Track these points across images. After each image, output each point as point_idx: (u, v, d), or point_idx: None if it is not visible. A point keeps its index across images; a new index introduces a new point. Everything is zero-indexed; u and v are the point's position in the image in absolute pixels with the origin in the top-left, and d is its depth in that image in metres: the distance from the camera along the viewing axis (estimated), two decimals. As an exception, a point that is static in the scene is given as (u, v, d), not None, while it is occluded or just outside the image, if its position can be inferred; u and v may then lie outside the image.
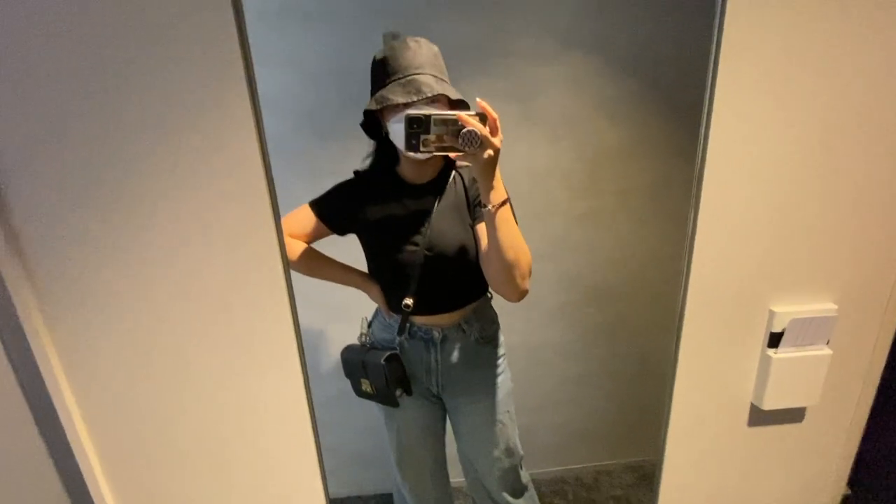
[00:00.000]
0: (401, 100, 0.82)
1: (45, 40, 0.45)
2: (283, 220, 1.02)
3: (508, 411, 1.21)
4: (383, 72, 0.87)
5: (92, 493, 0.59)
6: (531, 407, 1.83)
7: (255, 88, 0.50)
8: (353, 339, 1.19)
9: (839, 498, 0.74)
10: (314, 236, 1.09)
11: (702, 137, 0.58)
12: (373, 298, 1.12)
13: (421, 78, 0.83)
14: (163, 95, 0.47)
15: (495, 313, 1.22)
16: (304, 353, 0.60)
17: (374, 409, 1.28)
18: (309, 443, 0.64)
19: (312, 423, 0.63)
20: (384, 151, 1.02)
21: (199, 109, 0.48)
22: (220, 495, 0.64)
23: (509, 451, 1.22)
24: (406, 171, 1.03)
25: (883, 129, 0.57)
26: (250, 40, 0.49)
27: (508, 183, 1.77)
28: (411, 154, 0.71)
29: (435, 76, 0.86)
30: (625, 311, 1.77)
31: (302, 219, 1.07)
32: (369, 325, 1.15)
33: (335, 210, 1.07)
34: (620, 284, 1.75)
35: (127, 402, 0.57)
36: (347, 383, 1.14)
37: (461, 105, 0.89)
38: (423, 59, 0.87)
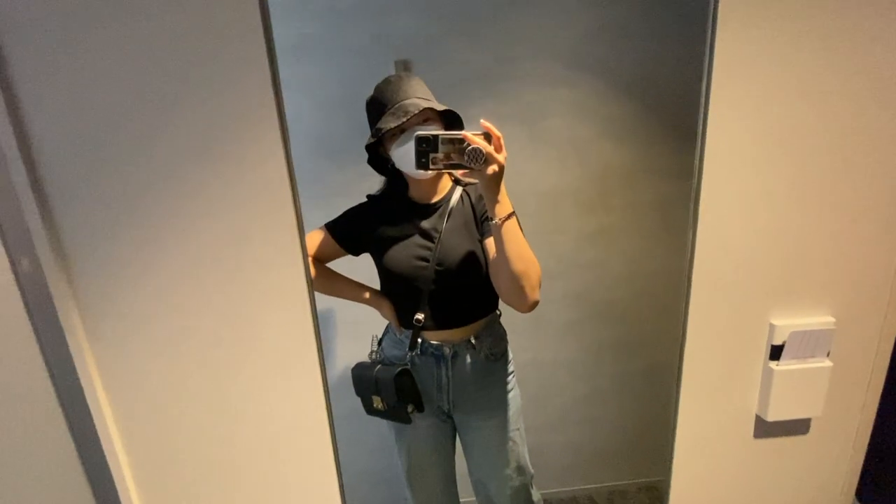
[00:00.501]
0: (393, 124, 0.89)
1: (101, 79, 0.50)
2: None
3: (518, 429, 1.22)
4: (376, 108, 0.96)
5: (122, 500, 0.62)
6: (542, 426, 1.82)
7: (284, 117, 0.54)
8: (363, 356, 1.22)
9: (850, 512, 0.74)
10: (329, 256, 1.14)
11: (697, 158, 0.61)
12: (384, 315, 1.15)
13: (407, 102, 0.91)
14: (198, 125, 0.52)
15: (504, 330, 1.24)
16: (325, 369, 0.64)
17: (384, 427, 1.30)
18: (328, 456, 0.67)
19: (332, 435, 0.66)
20: (393, 182, 1.09)
21: (233, 138, 0.53)
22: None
23: (520, 470, 1.22)
24: (415, 193, 1.08)
25: (872, 147, 0.60)
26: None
27: (517, 203, 1.81)
28: (421, 172, 0.76)
29: (420, 97, 0.93)
30: (634, 327, 1.77)
31: (318, 240, 1.13)
32: (380, 343, 1.18)
33: (349, 231, 1.12)
34: (629, 300, 1.76)
35: (159, 415, 0.61)
36: (357, 401, 1.15)
37: (451, 116, 0.96)
38: (407, 87, 0.95)
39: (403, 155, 0.93)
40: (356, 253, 1.13)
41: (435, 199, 1.09)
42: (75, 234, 0.54)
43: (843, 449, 0.70)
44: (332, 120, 1.35)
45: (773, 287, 0.63)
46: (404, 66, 1.33)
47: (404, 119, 0.88)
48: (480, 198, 1.09)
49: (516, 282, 0.98)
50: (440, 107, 0.94)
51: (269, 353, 0.60)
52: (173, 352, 0.59)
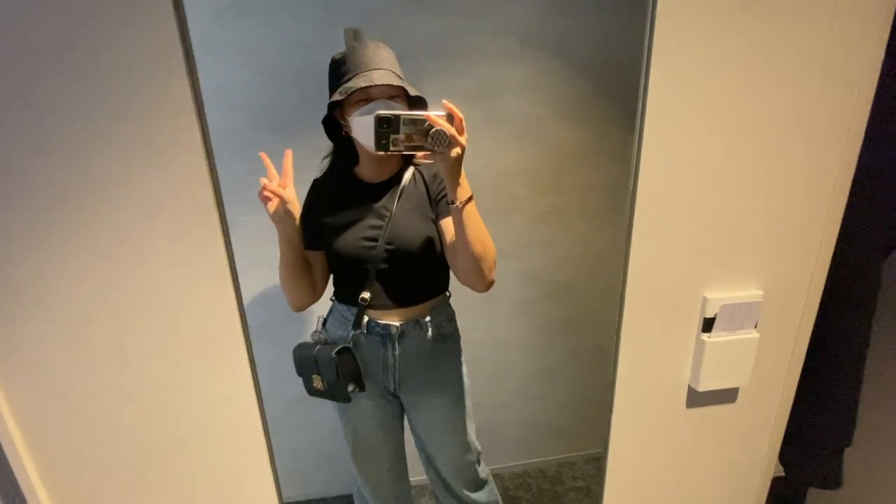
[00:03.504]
0: (362, 83, 0.85)
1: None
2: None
3: (465, 407, 1.22)
4: (343, 69, 0.90)
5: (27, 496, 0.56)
6: (496, 403, 1.86)
7: (196, 78, 0.49)
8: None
9: (771, 472, 0.79)
10: (314, 265, 1.09)
11: (636, 135, 0.61)
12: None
13: (381, 72, 0.87)
14: (100, 81, 0.46)
15: (453, 311, 1.24)
16: (251, 348, 0.60)
17: (332, 409, 1.27)
18: (260, 443, 0.63)
19: (263, 421, 0.63)
20: (342, 151, 1.04)
21: (139, 98, 0.47)
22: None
23: (466, 447, 1.23)
24: (365, 171, 1.04)
25: (801, 129, 0.62)
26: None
27: (472, 181, 1.79)
28: (381, 153, 0.73)
29: (394, 73, 0.89)
30: (584, 306, 1.82)
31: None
32: (324, 323, 1.14)
33: (309, 231, 1.07)
34: (580, 280, 1.80)
35: (65, 407, 0.56)
36: (313, 384, 1.13)
37: (419, 102, 0.92)
38: (382, 58, 0.90)
39: (363, 126, 0.88)
40: (315, 248, 1.10)
41: (385, 178, 1.05)
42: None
43: (767, 415, 0.74)
44: (276, 89, 1.28)
45: (707, 262, 0.65)
46: (354, 36, 1.27)
47: (375, 83, 0.85)
48: (434, 177, 1.07)
49: (475, 264, 0.97)
50: (413, 91, 0.90)
51: (189, 337, 0.56)
52: (74, 334, 0.53)
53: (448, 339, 1.18)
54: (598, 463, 2.12)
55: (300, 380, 1.12)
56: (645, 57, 0.58)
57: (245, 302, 0.58)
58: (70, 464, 0.58)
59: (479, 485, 1.29)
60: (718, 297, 0.65)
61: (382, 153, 0.73)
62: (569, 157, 1.69)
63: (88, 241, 0.50)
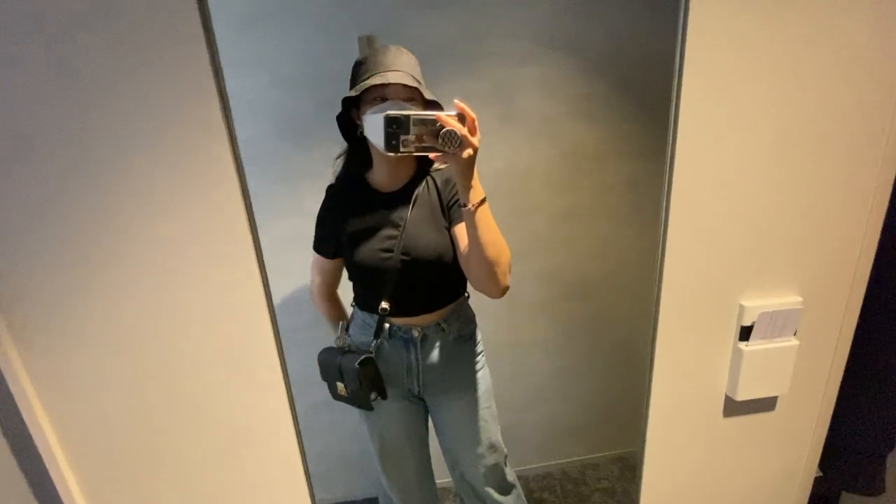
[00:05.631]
0: (377, 81, 0.84)
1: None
2: (315, 276, 1.14)
3: (489, 407, 1.22)
4: (363, 69, 0.90)
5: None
6: (517, 404, 1.85)
7: (225, 94, 0.49)
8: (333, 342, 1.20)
9: (811, 481, 0.77)
10: (336, 275, 1.14)
11: (670, 139, 0.59)
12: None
13: (399, 74, 0.87)
14: (132, 100, 0.47)
15: (472, 312, 1.24)
16: (283, 355, 0.60)
17: (357, 412, 1.28)
18: (293, 447, 0.64)
19: (296, 427, 0.63)
20: (357, 153, 1.04)
21: (170, 115, 0.48)
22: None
23: (492, 448, 1.23)
24: (379, 178, 1.04)
25: (840, 132, 0.59)
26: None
27: (489, 182, 1.78)
28: (391, 154, 0.72)
29: (412, 76, 0.89)
30: (604, 305, 1.80)
31: (319, 266, 1.13)
32: (347, 329, 1.15)
33: (325, 239, 1.09)
34: (599, 279, 1.78)
35: (104, 415, 0.56)
36: (333, 388, 1.14)
37: (435, 107, 0.91)
38: (403, 61, 0.90)
39: (374, 125, 0.88)
40: (333, 257, 1.11)
41: (399, 187, 1.05)
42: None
43: (807, 424, 0.72)
44: (295, 98, 1.28)
45: (743, 269, 0.63)
46: (368, 42, 1.27)
47: (391, 80, 0.85)
48: (446, 183, 1.06)
49: (489, 269, 0.96)
50: (429, 95, 0.90)
51: (222, 344, 0.56)
52: (112, 345, 0.53)
53: (468, 339, 1.18)
54: (622, 463, 2.11)
55: (321, 386, 1.14)
56: (678, 61, 0.56)
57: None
58: (108, 473, 0.59)
59: (505, 488, 1.29)
60: (756, 305, 0.63)
61: (392, 154, 0.72)
62: (586, 156, 1.67)
63: (127, 258, 0.51)
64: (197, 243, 0.52)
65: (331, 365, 1.06)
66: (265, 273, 0.56)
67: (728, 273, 0.63)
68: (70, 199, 0.48)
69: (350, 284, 1.15)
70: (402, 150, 0.71)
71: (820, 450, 0.73)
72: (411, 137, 0.70)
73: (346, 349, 1.09)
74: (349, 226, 1.04)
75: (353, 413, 1.30)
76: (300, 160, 1.35)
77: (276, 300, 0.58)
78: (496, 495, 1.26)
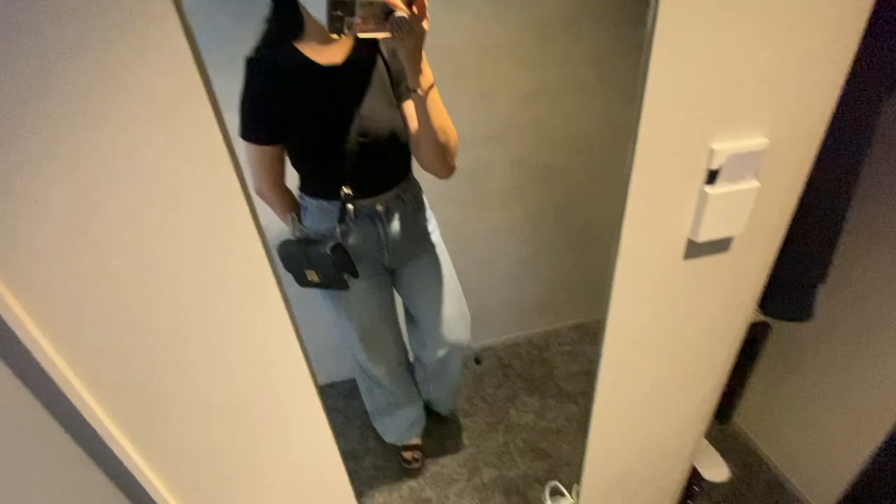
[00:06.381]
0: None
1: None
2: (254, 169, 1.04)
3: (448, 266, 1.32)
4: None
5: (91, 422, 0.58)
6: (488, 287, 1.95)
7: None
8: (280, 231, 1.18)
9: (750, 317, 0.87)
10: (276, 162, 1.04)
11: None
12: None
13: None
14: None
15: (417, 181, 1.25)
16: (267, 244, 0.58)
17: (325, 304, 1.31)
18: (289, 331, 0.65)
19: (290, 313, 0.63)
20: (286, 16, 0.91)
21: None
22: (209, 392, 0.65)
23: (461, 297, 1.35)
24: (313, 48, 0.93)
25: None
26: None
27: (454, 57, 1.68)
28: (335, 36, 0.66)
29: None
30: (572, 188, 1.84)
31: (256, 156, 1.02)
32: (300, 219, 1.14)
33: (258, 124, 0.98)
34: (568, 162, 1.80)
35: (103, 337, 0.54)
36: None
37: None
38: None
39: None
40: (271, 143, 1.01)
41: (342, 59, 0.96)
42: None
43: (757, 262, 0.79)
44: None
45: (714, 110, 0.64)
46: None
47: None
48: (393, 54, 0.99)
49: (440, 153, 0.96)
50: None
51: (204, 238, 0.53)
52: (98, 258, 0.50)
53: (422, 206, 1.22)
54: (581, 330, 2.32)
55: (289, 280, 1.14)
56: None
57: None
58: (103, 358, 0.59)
59: (461, 341, 1.40)
60: (725, 148, 0.65)
61: (336, 36, 0.68)
62: (554, 27, 1.58)
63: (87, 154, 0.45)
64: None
65: (296, 256, 1.04)
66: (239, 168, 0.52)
67: (701, 116, 0.64)
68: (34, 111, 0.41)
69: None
70: (346, 32, 0.67)
71: (763, 284, 0.82)
72: (357, 20, 0.66)
73: (309, 239, 1.08)
74: (290, 107, 0.94)
75: (324, 306, 1.33)
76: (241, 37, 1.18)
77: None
78: (462, 336, 1.38)
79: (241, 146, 1.02)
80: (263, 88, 0.93)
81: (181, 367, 0.62)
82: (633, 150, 0.64)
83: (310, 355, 0.70)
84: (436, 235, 1.27)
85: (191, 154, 0.50)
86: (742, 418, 1.71)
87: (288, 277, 1.10)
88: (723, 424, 1.77)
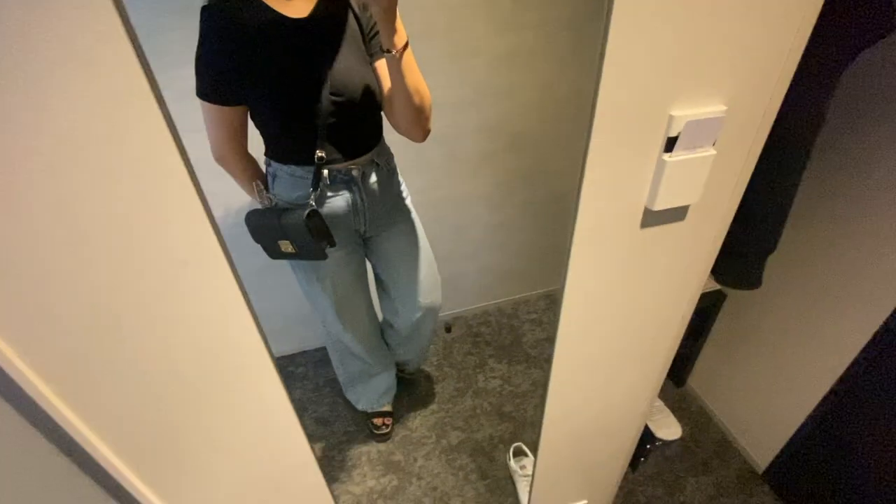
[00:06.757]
0: None
1: None
2: (214, 132, 0.97)
3: (421, 228, 1.32)
4: None
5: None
6: (459, 255, 1.95)
7: None
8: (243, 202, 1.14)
9: (702, 286, 0.90)
10: (239, 124, 0.97)
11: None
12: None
13: None
14: None
15: (388, 146, 1.23)
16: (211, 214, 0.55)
17: (300, 272, 1.29)
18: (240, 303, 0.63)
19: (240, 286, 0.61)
20: None
21: None
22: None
23: (433, 261, 1.36)
24: (278, 0, 0.87)
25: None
26: None
27: (425, 20, 1.62)
28: None
29: None
30: (543, 157, 1.83)
31: (215, 116, 0.94)
32: (268, 188, 1.09)
33: (218, 81, 0.90)
34: (540, 130, 1.78)
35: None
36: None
37: None
38: None
39: None
40: (230, 102, 0.94)
41: (309, 12, 0.90)
42: None
43: (711, 230, 0.81)
44: None
45: (674, 77, 0.63)
46: None
47: None
48: (364, 8, 0.94)
49: (415, 115, 0.94)
50: None
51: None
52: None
53: (394, 171, 1.20)
54: (548, 299, 2.36)
55: (257, 249, 1.10)
56: None
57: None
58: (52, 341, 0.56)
59: (435, 306, 1.41)
60: (684, 115, 0.65)
61: None
62: (529, -13, 1.52)
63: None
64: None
65: (268, 227, 0.99)
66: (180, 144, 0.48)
67: (660, 82, 0.63)
68: None
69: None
70: None
71: (717, 251, 0.84)
72: None
73: (281, 207, 1.04)
74: (252, 62, 0.87)
75: (293, 274, 1.31)
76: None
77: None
78: (435, 301, 1.39)
79: (197, 106, 0.96)
80: (222, 41, 0.85)
81: (123, 332, 0.60)
82: (591, 116, 0.64)
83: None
84: (408, 201, 1.26)
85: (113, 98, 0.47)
86: (695, 381, 1.80)
87: (251, 247, 1.07)
88: (679, 388, 1.86)
